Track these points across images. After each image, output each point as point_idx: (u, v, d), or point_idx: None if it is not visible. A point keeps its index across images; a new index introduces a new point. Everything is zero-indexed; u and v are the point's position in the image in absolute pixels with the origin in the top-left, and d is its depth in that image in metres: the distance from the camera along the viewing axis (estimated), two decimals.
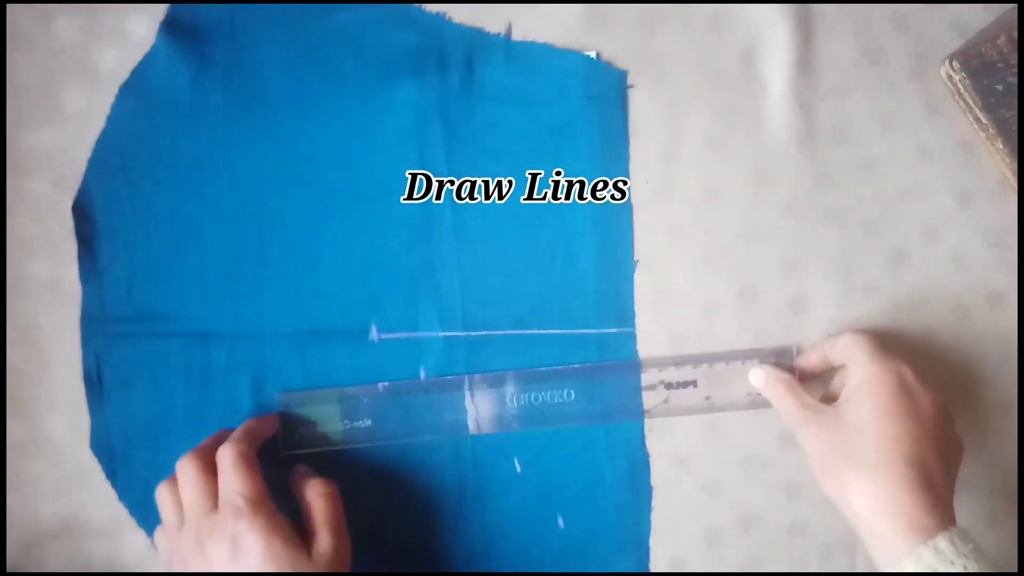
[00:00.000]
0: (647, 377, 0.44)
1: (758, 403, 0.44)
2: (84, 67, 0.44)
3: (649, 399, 0.44)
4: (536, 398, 0.44)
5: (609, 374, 0.44)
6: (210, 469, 0.40)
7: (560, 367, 0.44)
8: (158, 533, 0.42)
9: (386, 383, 0.44)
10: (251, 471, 0.39)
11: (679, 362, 0.44)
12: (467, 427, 0.44)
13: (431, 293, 0.45)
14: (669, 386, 0.44)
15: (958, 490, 0.38)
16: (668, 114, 0.44)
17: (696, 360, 0.44)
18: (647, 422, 0.44)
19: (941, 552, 0.35)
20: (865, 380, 0.39)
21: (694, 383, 0.44)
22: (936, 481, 0.37)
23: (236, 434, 0.41)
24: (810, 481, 0.45)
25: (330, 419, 0.44)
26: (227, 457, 0.39)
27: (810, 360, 0.43)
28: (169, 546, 0.41)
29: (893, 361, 0.39)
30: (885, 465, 0.37)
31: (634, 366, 0.44)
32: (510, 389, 0.44)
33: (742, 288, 0.45)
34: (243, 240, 0.44)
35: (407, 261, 0.45)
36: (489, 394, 0.44)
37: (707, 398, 0.44)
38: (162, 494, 0.41)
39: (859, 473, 0.37)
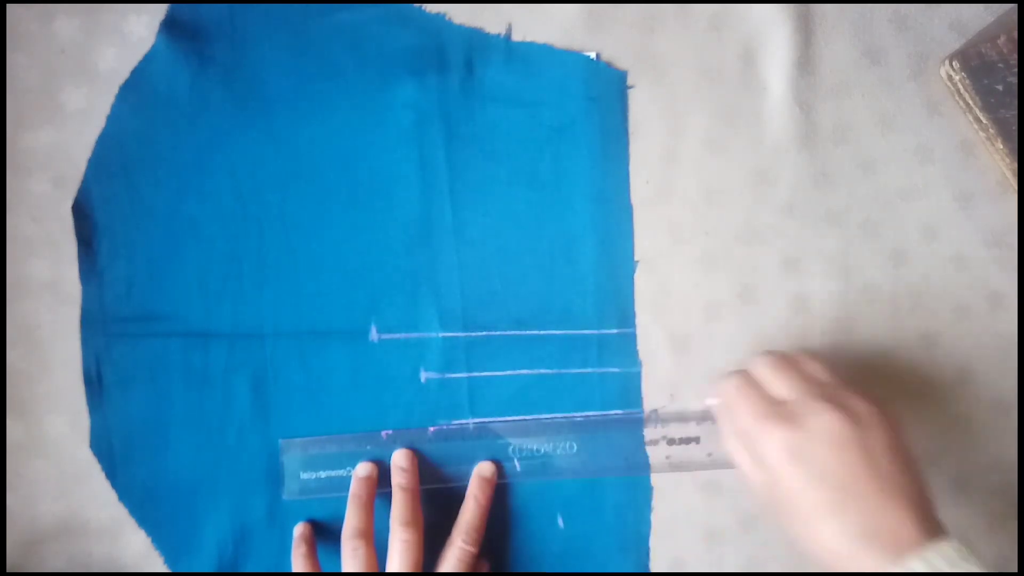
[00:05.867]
0: (649, 432, 0.44)
1: None
2: (84, 67, 0.44)
3: (652, 454, 0.44)
4: (538, 450, 0.44)
5: (611, 428, 0.44)
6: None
7: (560, 418, 0.44)
8: None
9: (390, 431, 0.44)
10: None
11: (682, 418, 0.44)
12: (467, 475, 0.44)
13: (431, 294, 0.45)
14: (671, 442, 0.44)
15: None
16: (668, 114, 0.44)
17: (700, 417, 0.44)
18: (646, 423, 0.44)
19: (948, 556, 0.31)
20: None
21: (696, 440, 0.44)
22: (909, 497, 0.34)
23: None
24: None
25: (334, 465, 0.44)
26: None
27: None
28: None
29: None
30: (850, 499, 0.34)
31: (636, 420, 0.44)
32: (513, 440, 0.44)
33: (742, 288, 0.45)
34: (243, 240, 0.44)
35: (407, 261, 0.44)
36: (491, 445, 0.44)
37: (709, 455, 0.44)
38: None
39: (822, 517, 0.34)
